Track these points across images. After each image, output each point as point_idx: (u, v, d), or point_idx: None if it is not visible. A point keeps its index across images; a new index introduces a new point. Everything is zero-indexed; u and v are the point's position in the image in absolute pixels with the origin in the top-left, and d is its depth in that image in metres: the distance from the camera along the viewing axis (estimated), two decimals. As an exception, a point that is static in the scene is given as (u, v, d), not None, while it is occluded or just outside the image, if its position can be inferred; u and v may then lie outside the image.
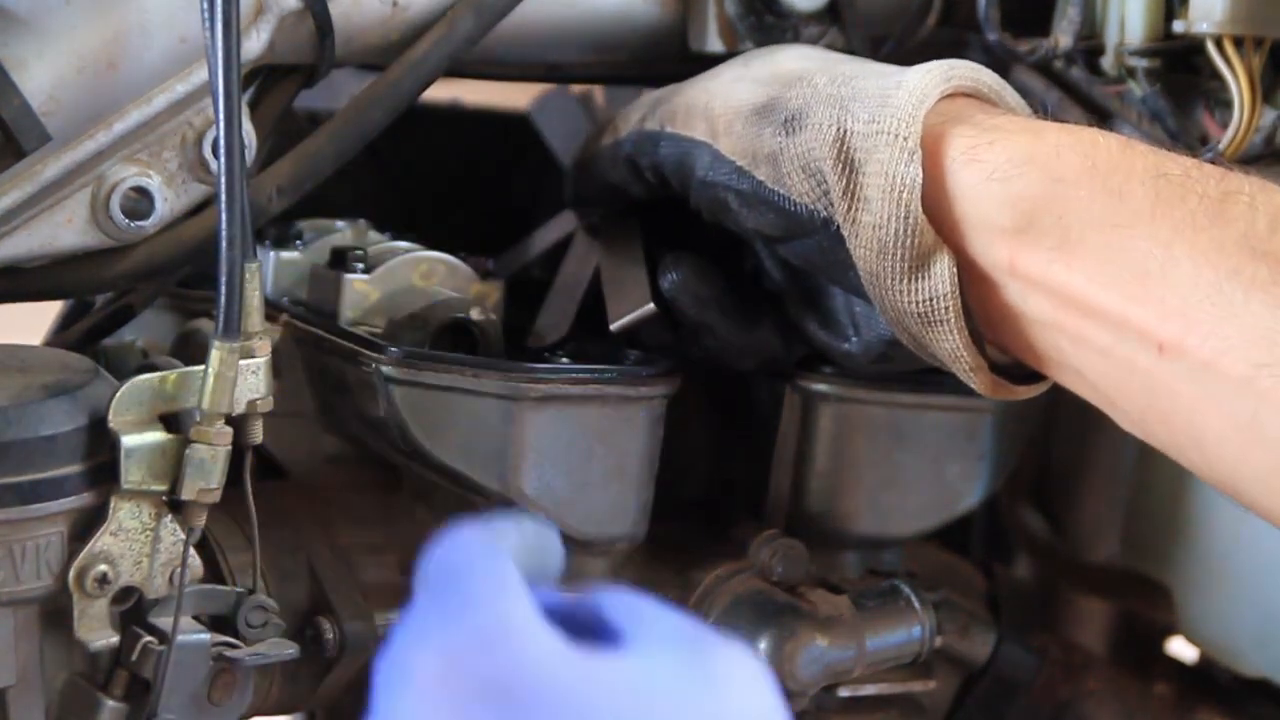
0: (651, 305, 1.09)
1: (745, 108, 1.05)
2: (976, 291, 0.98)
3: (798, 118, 1.02)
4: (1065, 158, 0.95)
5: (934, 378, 1.13)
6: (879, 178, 0.97)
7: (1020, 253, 0.95)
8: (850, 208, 0.99)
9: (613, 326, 1.09)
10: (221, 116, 0.96)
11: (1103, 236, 0.93)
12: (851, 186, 0.98)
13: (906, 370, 1.08)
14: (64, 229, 1.03)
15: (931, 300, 0.97)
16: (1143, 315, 0.91)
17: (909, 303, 0.98)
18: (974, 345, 0.98)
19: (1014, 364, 1.01)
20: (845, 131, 0.99)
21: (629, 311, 1.09)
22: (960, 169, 0.97)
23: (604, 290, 1.13)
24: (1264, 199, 0.91)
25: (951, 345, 0.98)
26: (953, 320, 0.97)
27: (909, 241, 0.97)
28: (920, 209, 0.97)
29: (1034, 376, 1.01)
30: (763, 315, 1.10)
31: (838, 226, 1.00)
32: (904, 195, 0.96)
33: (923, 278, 0.97)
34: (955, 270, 0.97)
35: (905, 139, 0.97)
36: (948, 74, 1.00)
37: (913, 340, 1.01)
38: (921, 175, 0.97)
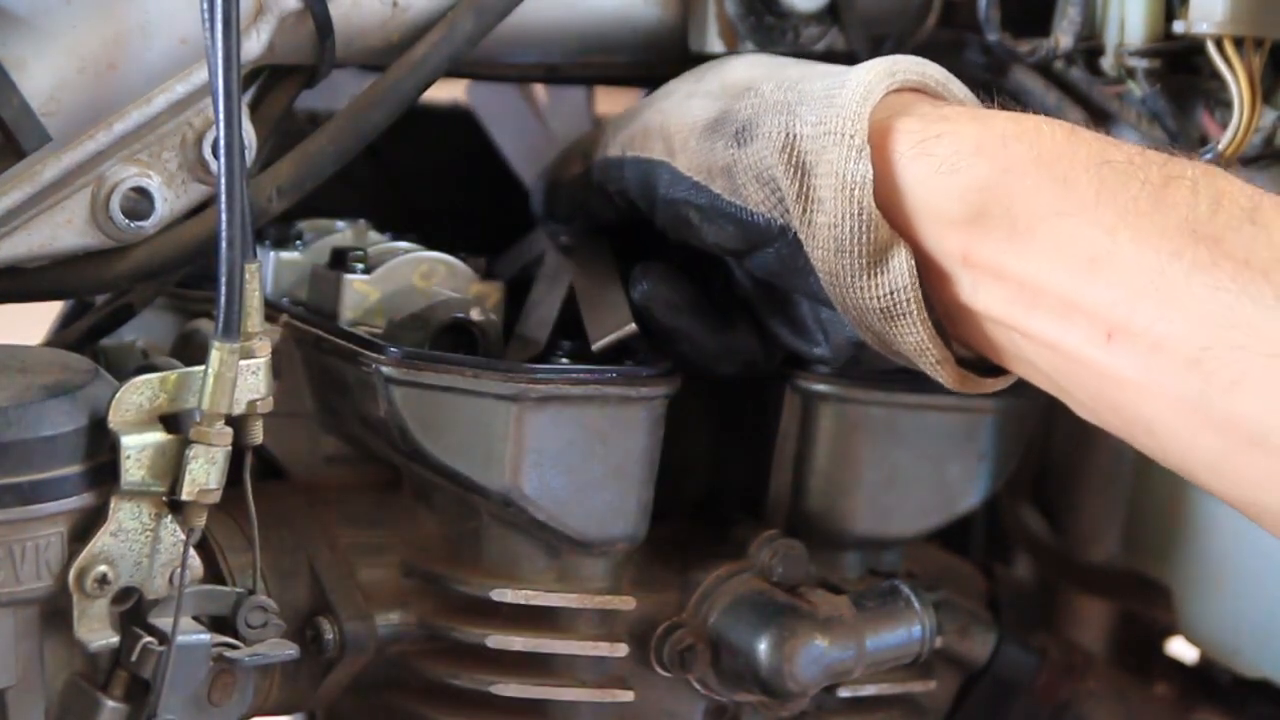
0: (633, 325, 1.09)
1: (698, 124, 1.06)
2: (933, 286, 0.99)
3: (748, 128, 1.03)
4: (1012, 148, 0.96)
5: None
6: (830, 178, 0.98)
7: (972, 244, 0.96)
8: (805, 210, 0.99)
9: (595, 347, 1.10)
10: (221, 117, 0.96)
11: (1049, 225, 0.94)
12: (804, 189, 0.99)
13: (904, 369, 1.09)
14: (64, 229, 1.03)
15: (892, 294, 0.98)
16: (1090, 302, 0.92)
17: (870, 299, 0.99)
18: (938, 337, 0.99)
19: (978, 358, 1.01)
20: (794, 136, 1.00)
21: (610, 332, 1.10)
22: (909, 163, 0.98)
23: (581, 311, 1.13)
24: (1206, 182, 0.92)
25: (916, 339, 0.99)
26: (915, 312, 0.98)
27: (865, 237, 0.97)
28: (873, 204, 0.97)
29: (999, 369, 1.01)
30: (737, 319, 1.11)
31: (795, 233, 1.01)
32: (856, 192, 0.97)
33: (881, 272, 0.98)
34: (913, 262, 0.98)
35: (852, 137, 0.98)
36: (891, 69, 1.01)
37: (877, 338, 1.01)
38: (871, 171, 0.97)
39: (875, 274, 0.98)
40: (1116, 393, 0.92)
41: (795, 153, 1.00)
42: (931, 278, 0.98)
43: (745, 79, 1.07)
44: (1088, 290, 0.92)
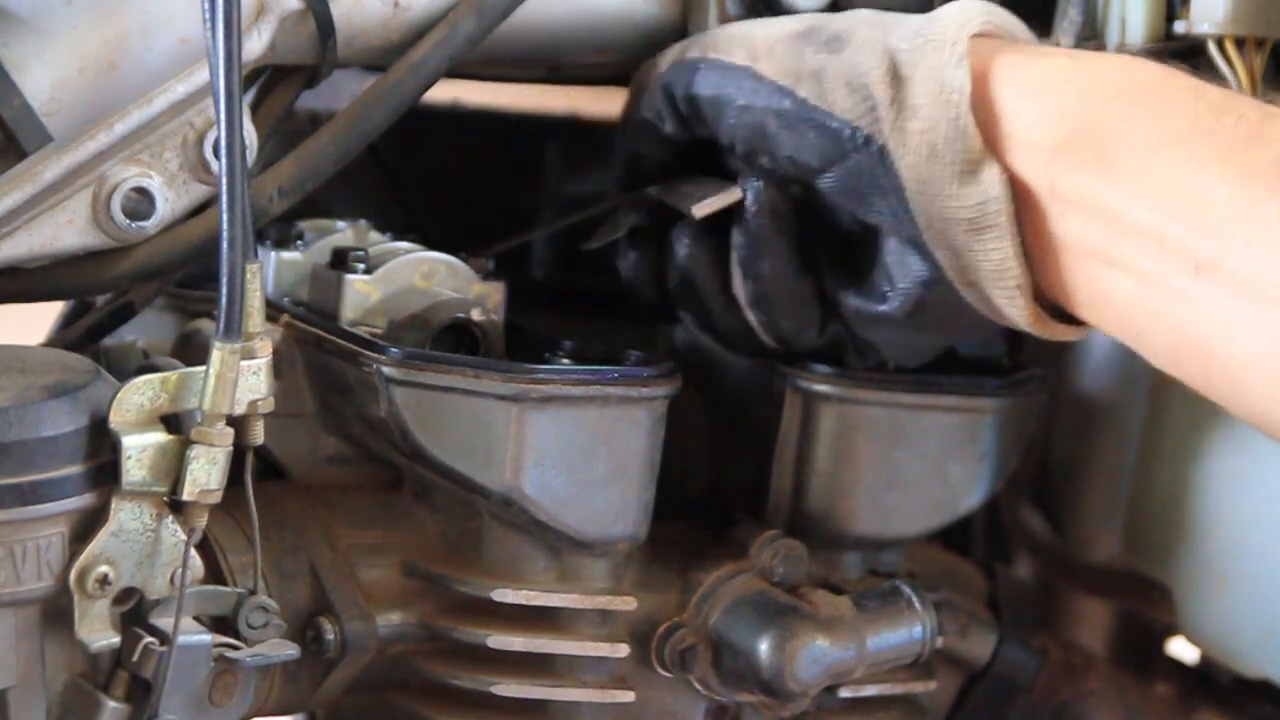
0: (738, 190, 1.08)
1: (786, 32, 1.06)
2: (1019, 214, 0.99)
3: (842, 37, 1.03)
4: (1107, 77, 0.97)
5: (935, 378, 1.13)
6: (927, 84, 0.99)
7: (1060, 171, 0.97)
8: (898, 116, 1.00)
9: (696, 210, 1.08)
10: (223, 117, 0.96)
11: (1142, 156, 0.94)
12: (899, 95, 1.00)
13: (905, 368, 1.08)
14: (65, 229, 1.03)
15: (982, 204, 0.98)
16: (1180, 234, 0.92)
17: (959, 208, 0.99)
18: (1022, 256, 0.99)
19: (1051, 308, 1.01)
20: (891, 49, 1.01)
21: (713, 195, 1.09)
22: (1004, 85, 0.98)
23: (668, 201, 1.12)
24: None
25: (1000, 255, 0.99)
26: (1003, 224, 0.98)
27: (959, 144, 0.98)
28: (970, 112, 0.98)
29: (1070, 320, 1.01)
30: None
31: (880, 146, 1.00)
32: (954, 97, 0.98)
33: (973, 182, 0.98)
34: (1005, 176, 0.98)
35: (954, 45, 0.99)
36: (985, 7, 1.02)
37: (956, 260, 1.01)
38: (970, 82, 0.98)
39: (966, 182, 0.98)
40: (1200, 331, 0.92)
41: (892, 61, 1.00)
42: (1017, 205, 0.98)
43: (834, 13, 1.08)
44: (1175, 223, 0.92)
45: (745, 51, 1.07)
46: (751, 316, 1.11)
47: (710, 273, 1.11)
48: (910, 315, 1.06)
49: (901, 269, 1.04)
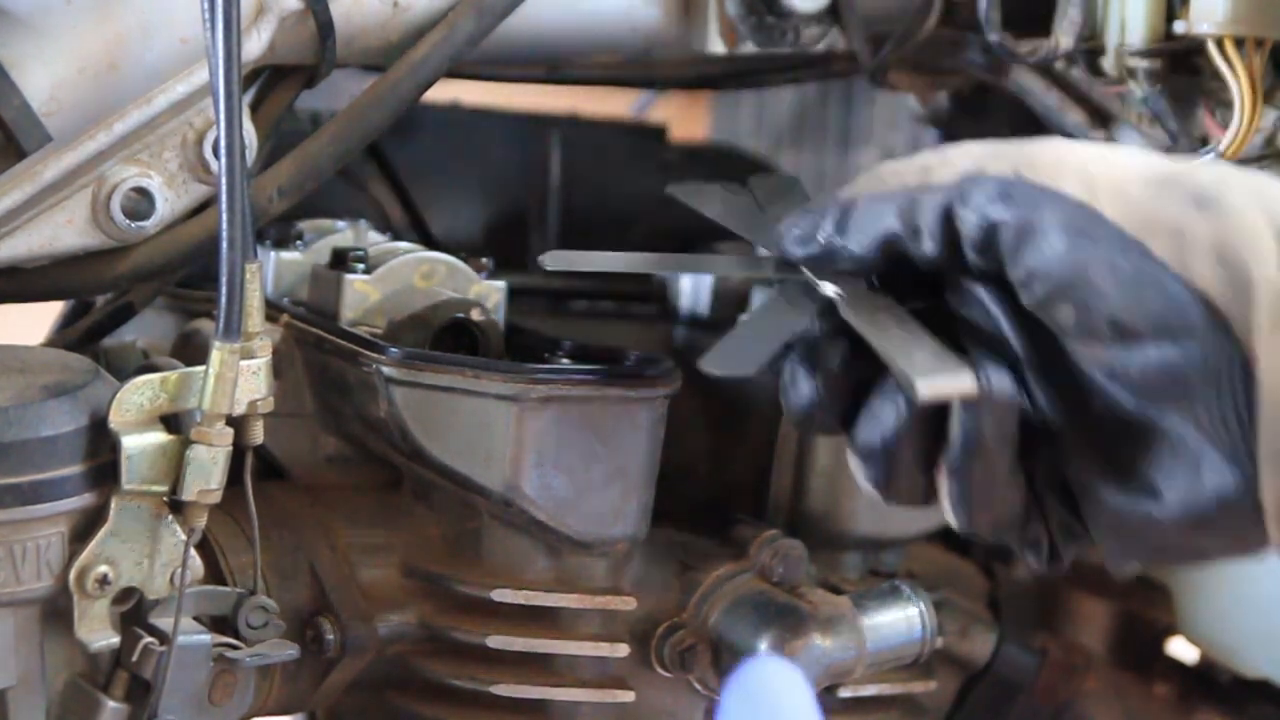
0: (973, 381, 0.88)
1: (1137, 174, 0.87)
2: None
3: (1210, 195, 0.86)
4: None
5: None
6: None
7: None
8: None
9: (923, 389, 0.87)
10: (222, 117, 0.96)
11: None
12: None
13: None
14: (65, 229, 1.03)
15: None
16: None
17: None
18: None
19: None
20: (1278, 222, 0.85)
21: (942, 376, 0.88)
22: None
23: (885, 357, 0.90)
24: None
25: None
26: None
27: None
28: None
29: None
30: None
31: (1239, 336, 0.84)
32: None
33: None
34: None
35: None
36: None
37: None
38: None
39: None
40: None
41: None
42: None
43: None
44: None
45: (1080, 184, 0.87)
46: (945, 501, 0.93)
47: (918, 451, 0.92)
48: (1185, 527, 0.87)
49: (1192, 475, 0.86)
